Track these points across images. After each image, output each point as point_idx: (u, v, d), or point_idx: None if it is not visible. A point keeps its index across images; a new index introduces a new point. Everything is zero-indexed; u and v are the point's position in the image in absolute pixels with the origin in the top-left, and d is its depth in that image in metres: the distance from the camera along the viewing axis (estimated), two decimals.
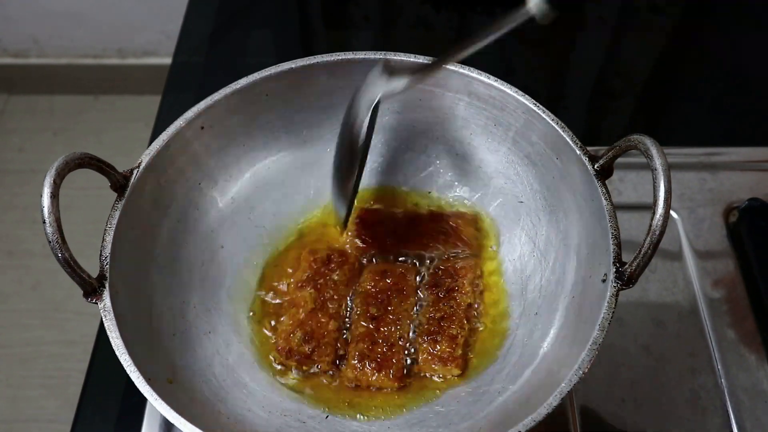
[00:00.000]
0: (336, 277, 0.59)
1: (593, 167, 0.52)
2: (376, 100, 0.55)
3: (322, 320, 0.58)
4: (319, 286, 0.59)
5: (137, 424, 0.59)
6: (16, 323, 1.41)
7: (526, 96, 0.57)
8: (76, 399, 0.62)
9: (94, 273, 0.49)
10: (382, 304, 0.58)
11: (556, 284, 0.56)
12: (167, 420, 0.44)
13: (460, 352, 0.56)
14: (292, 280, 0.60)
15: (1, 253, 1.50)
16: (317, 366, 0.56)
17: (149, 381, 0.45)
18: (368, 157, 0.65)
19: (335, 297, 0.59)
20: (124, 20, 1.59)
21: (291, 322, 0.57)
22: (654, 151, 0.46)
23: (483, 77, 0.58)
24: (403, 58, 0.59)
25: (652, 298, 0.65)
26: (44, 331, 1.40)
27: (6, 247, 1.51)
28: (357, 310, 0.59)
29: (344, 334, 0.58)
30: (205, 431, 0.44)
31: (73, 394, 0.63)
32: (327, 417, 0.54)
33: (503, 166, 0.61)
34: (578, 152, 0.54)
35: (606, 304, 0.48)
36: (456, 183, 0.64)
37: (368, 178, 0.65)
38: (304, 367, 0.56)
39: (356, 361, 0.56)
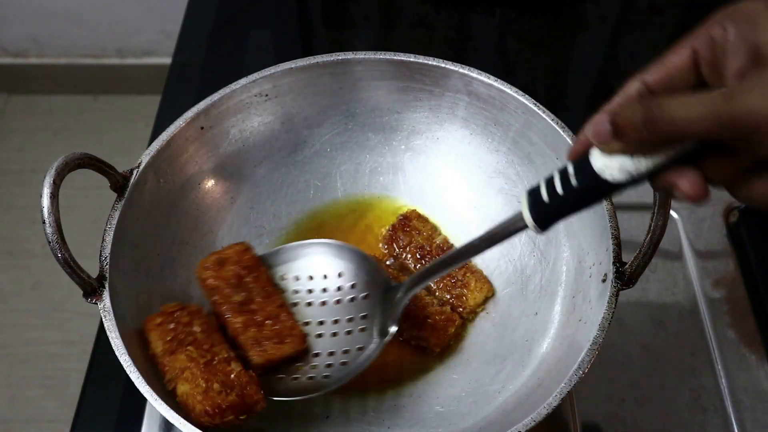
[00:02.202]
0: (196, 328, 0.52)
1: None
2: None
3: (218, 364, 0.50)
4: (186, 342, 0.51)
5: (137, 424, 0.59)
6: (16, 323, 1.41)
7: (526, 96, 0.57)
8: (75, 399, 0.62)
9: (94, 273, 0.49)
10: (239, 286, 0.54)
11: (556, 284, 0.56)
12: (167, 420, 0.44)
13: None
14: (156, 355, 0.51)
15: (1, 253, 1.50)
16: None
17: (149, 381, 0.45)
18: (367, 157, 0.65)
19: (207, 336, 0.52)
20: (124, 20, 1.59)
21: (193, 386, 0.48)
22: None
23: (483, 77, 0.58)
24: (403, 58, 0.59)
25: (652, 298, 0.65)
26: (44, 331, 1.39)
27: (6, 247, 1.51)
28: (226, 315, 0.53)
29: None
30: (205, 431, 0.44)
31: (72, 394, 0.63)
32: (327, 417, 0.54)
33: (503, 166, 0.61)
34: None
35: (606, 304, 0.48)
36: (456, 184, 0.64)
37: (368, 180, 0.65)
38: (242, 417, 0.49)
39: (255, 347, 0.52)
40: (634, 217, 0.67)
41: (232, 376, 0.49)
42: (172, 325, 0.50)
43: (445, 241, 0.62)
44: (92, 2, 1.55)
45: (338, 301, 0.55)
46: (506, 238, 0.44)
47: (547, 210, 0.40)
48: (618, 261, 0.49)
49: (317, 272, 0.56)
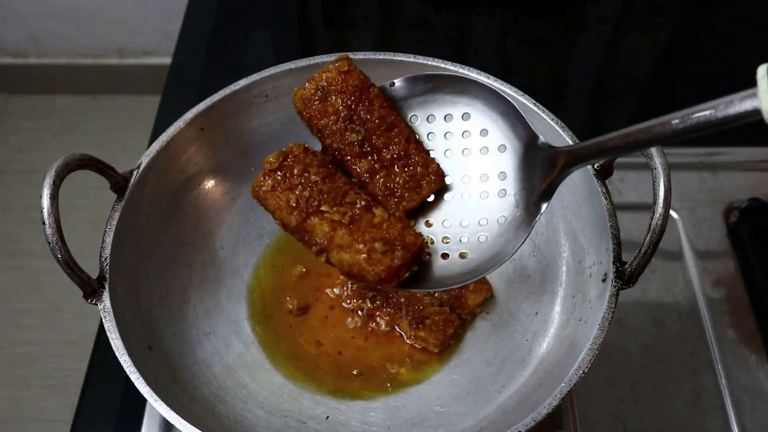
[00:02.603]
0: (315, 177, 0.46)
1: (593, 167, 0.52)
2: None
3: (361, 217, 0.44)
4: (315, 201, 0.45)
5: (137, 424, 0.59)
6: (16, 323, 1.41)
7: (526, 96, 0.57)
8: (75, 399, 0.62)
9: (94, 273, 0.49)
10: (352, 120, 0.47)
11: (556, 284, 0.56)
12: (167, 420, 0.44)
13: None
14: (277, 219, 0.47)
15: (1, 253, 1.50)
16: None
17: (149, 382, 0.45)
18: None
19: (331, 182, 0.46)
20: (124, 20, 1.59)
21: (353, 253, 0.43)
22: (654, 150, 0.46)
23: (483, 77, 0.58)
24: (403, 59, 0.59)
25: (652, 298, 0.65)
26: (44, 331, 1.39)
27: (6, 247, 1.51)
28: (346, 159, 0.47)
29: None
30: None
31: (72, 394, 0.63)
32: (327, 418, 0.54)
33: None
34: None
35: (606, 303, 0.48)
36: None
37: None
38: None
39: (390, 198, 0.46)
40: (634, 217, 0.67)
41: (385, 226, 0.44)
42: (287, 184, 0.44)
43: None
44: (92, 2, 1.56)
45: (466, 151, 0.47)
46: (719, 126, 0.36)
47: None
48: (618, 261, 0.49)
49: (438, 112, 0.48)
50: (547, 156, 0.44)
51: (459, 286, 0.45)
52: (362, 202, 0.45)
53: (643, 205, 0.69)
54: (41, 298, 1.43)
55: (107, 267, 0.49)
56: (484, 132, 0.47)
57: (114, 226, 0.51)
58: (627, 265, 0.48)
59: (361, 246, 0.43)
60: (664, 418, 0.60)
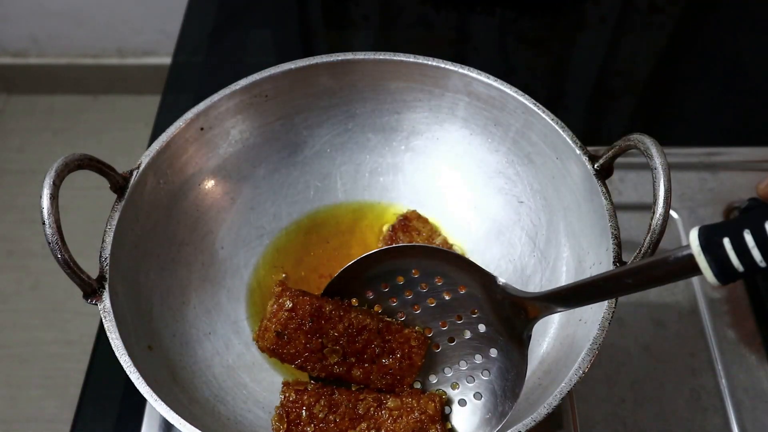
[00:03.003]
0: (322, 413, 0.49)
1: (593, 167, 0.52)
2: None
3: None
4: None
5: (137, 424, 0.59)
6: (16, 323, 1.41)
7: (526, 96, 0.57)
8: (75, 399, 0.62)
9: (94, 273, 0.49)
10: (323, 343, 0.49)
11: (556, 284, 0.56)
12: (167, 420, 0.44)
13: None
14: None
15: (1, 253, 1.50)
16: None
17: (149, 382, 0.45)
18: (367, 157, 0.65)
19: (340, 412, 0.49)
20: (124, 20, 1.59)
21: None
22: (654, 150, 0.46)
23: (483, 77, 0.58)
24: (403, 59, 0.59)
25: (652, 298, 0.65)
26: (44, 331, 1.39)
27: (6, 247, 1.51)
28: (341, 376, 0.50)
29: None
30: None
31: (72, 394, 0.63)
32: None
33: (503, 166, 0.61)
34: (578, 152, 0.54)
35: (606, 303, 0.48)
36: (455, 184, 0.64)
37: (368, 180, 0.65)
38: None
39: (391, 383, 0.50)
40: (634, 217, 0.67)
41: (404, 413, 0.48)
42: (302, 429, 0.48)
43: (445, 241, 0.62)
44: (92, 2, 1.56)
45: (434, 301, 0.50)
46: (669, 280, 0.37)
47: (740, 275, 0.33)
48: (618, 261, 0.49)
49: (391, 280, 0.51)
50: (510, 299, 0.47)
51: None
52: (373, 405, 0.48)
53: (643, 205, 0.69)
54: (41, 298, 1.43)
55: (107, 267, 0.49)
56: (442, 279, 0.50)
57: (114, 226, 0.51)
58: None
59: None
60: (664, 418, 0.60)
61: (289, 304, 0.49)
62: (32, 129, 1.70)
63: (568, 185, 0.56)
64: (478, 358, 0.49)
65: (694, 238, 0.34)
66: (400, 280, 0.51)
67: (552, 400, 0.44)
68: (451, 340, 0.50)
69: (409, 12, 0.93)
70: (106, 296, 0.48)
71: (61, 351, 1.37)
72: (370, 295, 0.51)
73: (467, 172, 0.63)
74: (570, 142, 0.54)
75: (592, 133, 0.80)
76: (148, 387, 0.44)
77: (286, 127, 0.63)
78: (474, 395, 0.49)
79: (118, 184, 0.52)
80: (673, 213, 0.69)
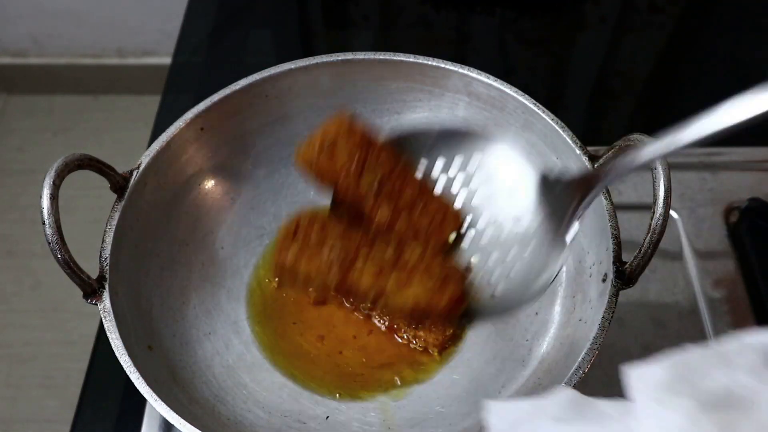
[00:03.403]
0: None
1: (593, 167, 0.52)
2: None
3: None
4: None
5: (137, 425, 0.59)
6: (16, 323, 1.41)
7: (526, 96, 0.57)
8: (75, 399, 0.62)
9: (94, 273, 0.49)
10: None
11: (556, 284, 0.56)
12: (167, 420, 0.44)
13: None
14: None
15: (1, 253, 1.50)
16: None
17: (149, 382, 0.45)
18: None
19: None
20: (124, 20, 1.59)
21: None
22: None
23: (483, 77, 0.58)
24: (403, 59, 0.59)
25: (652, 298, 0.65)
26: (44, 331, 1.39)
27: (6, 247, 1.51)
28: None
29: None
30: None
31: (72, 394, 0.63)
32: (327, 418, 0.54)
33: None
34: (578, 152, 0.54)
35: (606, 303, 0.48)
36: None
37: None
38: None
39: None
40: (634, 217, 0.67)
41: (426, 260, 0.45)
42: (310, 250, 0.44)
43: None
44: (92, 2, 1.56)
45: (481, 189, 0.49)
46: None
47: None
48: (618, 261, 0.49)
49: (447, 156, 0.49)
50: (565, 185, 0.45)
51: (508, 315, 0.47)
52: (392, 246, 0.45)
53: (643, 205, 0.69)
54: (41, 298, 1.43)
55: (107, 267, 0.49)
56: (496, 168, 0.48)
57: (114, 226, 0.51)
58: (627, 265, 0.48)
59: (422, 278, 0.43)
60: None
61: (346, 121, 0.47)
62: (32, 129, 1.70)
63: None
64: (512, 253, 0.48)
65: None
66: (458, 161, 0.49)
67: None
68: (489, 232, 0.49)
69: (409, 12, 0.93)
70: (106, 296, 0.48)
71: (61, 351, 1.37)
72: (423, 166, 0.49)
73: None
74: (570, 141, 0.54)
75: (592, 133, 0.80)
76: (148, 387, 0.44)
77: (286, 127, 0.63)
78: (503, 282, 0.48)
79: (118, 184, 0.52)
80: (673, 213, 0.69)
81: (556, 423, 0.34)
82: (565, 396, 0.35)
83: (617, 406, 0.33)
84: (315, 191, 0.65)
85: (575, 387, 0.45)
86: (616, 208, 0.51)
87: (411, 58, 0.59)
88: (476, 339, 0.58)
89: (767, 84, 0.34)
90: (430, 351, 0.57)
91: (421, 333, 0.57)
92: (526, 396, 0.51)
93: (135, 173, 0.53)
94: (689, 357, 0.33)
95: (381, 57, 0.60)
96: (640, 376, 0.33)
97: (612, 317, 0.47)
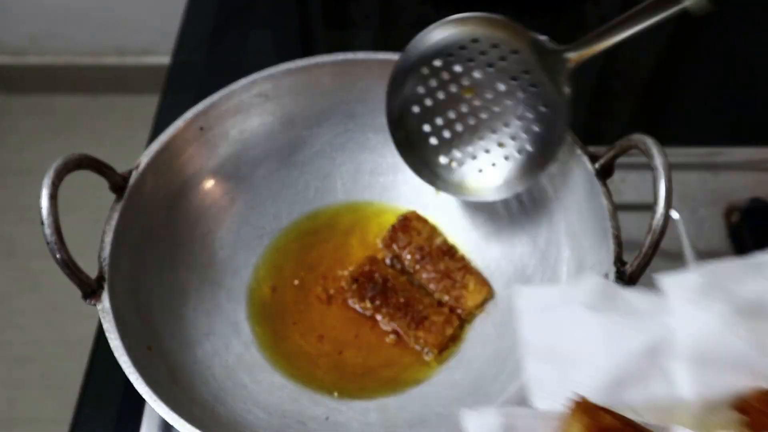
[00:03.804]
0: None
1: (594, 167, 0.52)
2: None
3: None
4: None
5: (136, 425, 0.59)
6: (16, 323, 1.41)
7: None
8: (75, 399, 0.62)
9: (93, 273, 0.48)
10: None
11: (557, 284, 0.56)
12: (166, 421, 0.44)
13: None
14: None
15: (1, 253, 1.50)
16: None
17: (148, 382, 0.45)
18: (367, 157, 0.65)
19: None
20: (123, 19, 1.59)
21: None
22: (654, 150, 0.46)
23: None
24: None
25: None
26: (44, 331, 1.39)
27: (5, 247, 1.51)
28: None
29: None
30: None
31: (72, 394, 0.63)
32: (327, 419, 0.54)
33: None
34: (578, 151, 0.54)
35: None
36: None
37: (368, 180, 0.65)
38: None
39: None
40: (635, 217, 0.67)
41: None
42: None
43: (445, 242, 0.62)
44: (92, 2, 1.56)
45: (491, 65, 0.54)
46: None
47: None
48: (619, 261, 0.49)
49: (453, 48, 0.55)
50: (558, 52, 0.53)
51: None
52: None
53: (644, 205, 0.69)
54: (41, 298, 1.43)
55: (106, 267, 0.49)
56: (494, 46, 0.54)
57: (113, 227, 0.51)
58: (628, 266, 0.48)
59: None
60: None
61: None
62: (31, 129, 1.70)
63: (569, 185, 0.56)
64: (516, 122, 0.55)
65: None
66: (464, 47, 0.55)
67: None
68: (497, 103, 0.55)
69: (409, 12, 0.93)
70: (105, 297, 0.48)
71: (61, 351, 1.36)
72: (426, 71, 0.56)
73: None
74: (570, 141, 0.54)
75: (592, 133, 0.79)
76: (147, 387, 0.44)
77: (285, 127, 0.63)
78: (518, 151, 0.56)
79: (118, 184, 0.52)
80: (673, 213, 0.69)
81: (588, 310, 0.34)
82: (595, 283, 0.35)
83: (649, 300, 0.34)
84: (315, 191, 0.65)
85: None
86: (616, 208, 0.51)
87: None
88: (477, 339, 0.58)
89: None
90: (429, 351, 0.57)
91: (420, 333, 0.57)
92: (526, 397, 0.50)
93: (134, 173, 0.53)
94: (725, 266, 0.34)
95: (381, 57, 0.60)
96: (676, 280, 0.33)
97: None
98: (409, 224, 0.62)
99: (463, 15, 0.54)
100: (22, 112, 1.73)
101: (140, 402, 0.59)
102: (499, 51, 0.54)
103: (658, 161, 0.46)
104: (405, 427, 0.53)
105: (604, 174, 0.52)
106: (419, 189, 0.65)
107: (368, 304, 0.59)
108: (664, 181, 0.46)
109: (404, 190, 0.65)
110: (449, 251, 0.61)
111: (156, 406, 0.44)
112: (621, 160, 0.52)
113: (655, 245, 0.47)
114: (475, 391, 0.54)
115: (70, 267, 0.46)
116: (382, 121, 0.64)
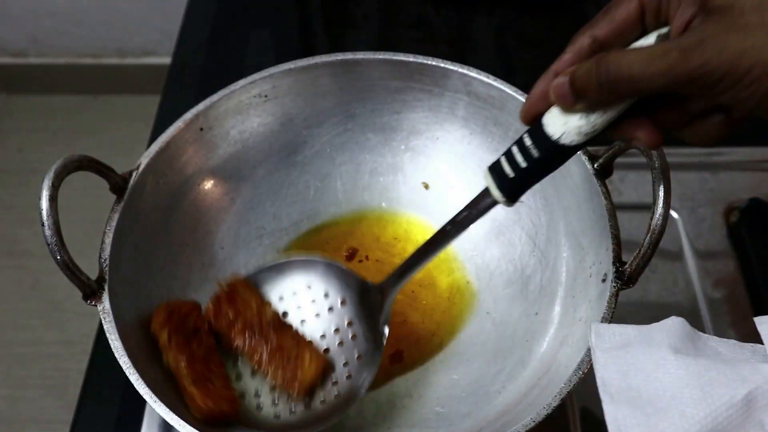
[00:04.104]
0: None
1: (593, 166, 0.52)
2: None
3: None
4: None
5: (137, 425, 0.59)
6: (16, 323, 1.41)
7: (526, 95, 0.57)
8: (75, 399, 0.62)
9: (95, 273, 0.48)
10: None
11: (556, 284, 0.56)
12: (167, 421, 0.44)
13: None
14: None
15: (1, 253, 1.50)
16: None
17: (148, 383, 0.45)
18: (367, 157, 0.65)
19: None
20: (124, 19, 1.59)
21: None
22: (654, 150, 0.46)
23: (482, 77, 0.58)
24: (403, 58, 0.59)
25: (652, 298, 0.65)
26: (44, 331, 1.39)
27: (5, 247, 1.51)
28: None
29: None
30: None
31: (72, 394, 0.63)
32: None
33: None
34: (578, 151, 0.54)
35: (606, 303, 0.48)
36: (456, 184, 0.64)
37: (368, 180, 0.65)
38: None
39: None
40: (634, 217, 0.67)
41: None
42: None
43: (276, 316, 0.54)
44: (92, 2, 1.56)
45: (318, 315, 0.54)
46: (478, 217, 0.45)
47: (513, 182, 0.41)
48: (618, 261, 0.49)
49: (285, 292, 0.55)
50: (376, 291, 0.53)
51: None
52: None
53: (643, 205, 0.69)
54: (41, 298, 1.43)
55: (107, 268, 0.49)
56: (326, 295, 0.54)
57: (113, 227, 0.51)
58: (627, 265, 0.48)
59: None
60: None
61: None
62: (31, 129, 1.70)
63: (568, 185, 0.56)
64: (345, 365, 0.52)
65: (485, 168, 0.42)
66: (297, 293, 0.55)
67: (552, 401, 0.44)
68: (326, 350, 0.53)
69: (409, 12, 0.93)
70: (105, 297, 0.48)
71: (61, 351, 1.36)
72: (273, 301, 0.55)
73: (467, 172, 0.63)
74: None
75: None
76: (147, 388, 0.44)
77: (285, 127, 0.63)
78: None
79: (118, 185, 0.52)
80: (673, 213, 0.69)
81: (674, 354, 0.32)
82: (676, 325, 0.34)
83: (736, 347, 0.32)
84: (314, 191, 0.65)
85: (575, 387, 0.45)
86: (616, 208, 0.51)
87: (411, 58, 0.59)
88: (477, 339, 0.58)
89: None
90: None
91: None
92: (526, 396, 0.51)
93: (134, 174, 0.53)
94: None
95: (381, 57, 0.60)
96: None
97: (612, 317, 0.47)
98: (236, 296, 0.54)
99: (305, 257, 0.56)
100: (22, 112, 1.73)
101: (140, 402, 0.59)
102: (329, 301, 0.54)
103: (657, 161, 0.46)
104: (404, 426, 0.53)
105: (603, 174, 0.52)
106: (419, 189, 0.65)
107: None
108: (663, 181, 0.46)
109: (404, 190, 0.65)
110: (280, 323, 0.53)
111: (156, 407, 0.44)
112: (620, 159, 0.52)
113: (655, 245, 0.47)
114: (475, 391, 0.54)
115: (70, 268, 0.46)
116: (382, 120, 0.64)
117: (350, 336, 0.53)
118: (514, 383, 0.53)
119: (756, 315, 0.63)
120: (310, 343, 0.52)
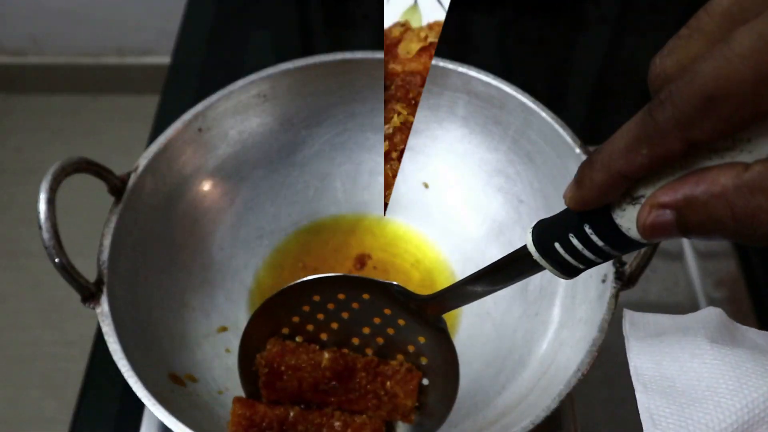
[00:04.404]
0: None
1: None
2: None
3: None
4: None
5: (136, 426, 0.59)
6: (15, 323, 1.41)
7: (526, 94, 0.57)
8: (74, 399, 0.62)
9: (93, 275, 0.48)
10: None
11: (556, 284, 0.56)
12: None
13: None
14: None
15: (0, 253, 1.50)
16: None
17: (147, 386, 0.45)
18: (366, 157, 0.65)
19: None
20: (123, 19, 1.59)
21: None
22: None
23: (482, 76, 0.58)
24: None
25: (652, 298, 0.65)
26: (43, 331, 1.39)
27: (5, 247, 1.51)
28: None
29: None
30: None
31: (71, 394, 0.63)
32: None
33: (503, 165, 0.61)
34: (578, 151, 0.54)
35: (606, 304, 0.47)
36: (455, 183, 0.64)
37: (368, 180, 0.65)
38: None
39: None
40: None
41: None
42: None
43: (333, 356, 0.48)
44: (91, 1, 1.55)
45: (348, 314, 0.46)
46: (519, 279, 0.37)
47: (580, 270, 0.34)
48: (618, 261, 0.49)
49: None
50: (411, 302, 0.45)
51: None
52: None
53: None
54: (41, 299, 1.43)
55: (105, 270, 0.49)
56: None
57: (112, 229, 0.50)
58: (627, 266, 0.48)
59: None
60: None
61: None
62: (31, 128, 1.70)
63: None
64: (410, 348, 0.47)
65: (530, 245, 0.34)
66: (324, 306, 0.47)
67: (551, 403, 0.44)
68: (380, 339, 0.47)
69: None
70: (104, 300, 0.48)
71: (61, 351, 1.36)
72: (297, 320, 0.47)
73: (467, 171, 0.63)
74: (570, 141, 0.54)
75: (592, 133, 0.80)
76: (146, 391, 0.44)
77: (284, 128, 0.63)
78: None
79: (116, 187, 0.51)
80: None
81: (710, 343, 0.31)
82: (712, 315, 0.33)
83: None
84: (314, 191, 0.65)
85: (575, 388, 0.45)
86: None
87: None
88: (476, 340, 0.58)
89: None
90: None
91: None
92: (525, 397, 0.50)
93: (133, 176, 0.53)
94: None
95: (381, 56, 0.59)
96: None
97: (612, 318, 0.47)
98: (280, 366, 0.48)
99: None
100: (22, 112, 1.73)
101: (140, 403, 0.59)
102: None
103: None
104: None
105: None
106: (419, 188, 0.65)
107: None
108: None
109: (403, 190, 0.65)
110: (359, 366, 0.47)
111: (155, 410, 0.44)
112: None
113: (655, 245, 0.47)
114: (475, 391, 0.54)
115: (68, 271, 0.46)
116: (381, 120, 0.64)
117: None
118: (513, 384, 0.53)
119: (757, 315, 0.64)
120: (390, 367, 0.47)
